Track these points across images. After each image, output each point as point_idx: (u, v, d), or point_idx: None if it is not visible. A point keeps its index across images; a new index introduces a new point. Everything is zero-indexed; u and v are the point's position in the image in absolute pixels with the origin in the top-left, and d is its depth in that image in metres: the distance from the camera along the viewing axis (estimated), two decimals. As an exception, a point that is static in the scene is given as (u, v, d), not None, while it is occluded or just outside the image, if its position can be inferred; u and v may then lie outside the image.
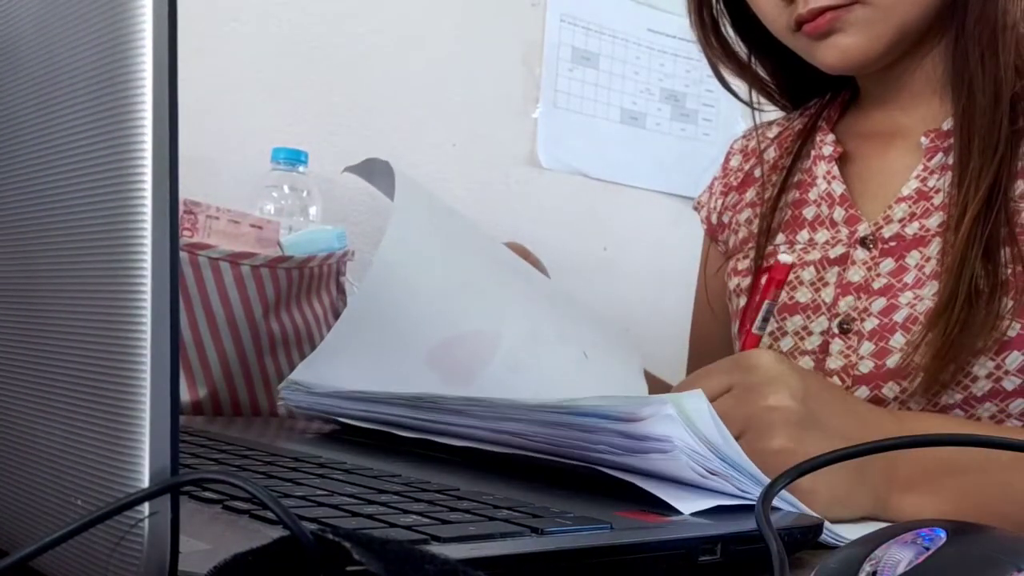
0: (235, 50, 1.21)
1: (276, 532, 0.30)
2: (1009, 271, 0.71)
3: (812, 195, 0.85)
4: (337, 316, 0.95)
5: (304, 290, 0.89)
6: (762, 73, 0.92)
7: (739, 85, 0.93)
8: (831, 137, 0.85)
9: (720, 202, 0.97)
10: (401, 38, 1.33)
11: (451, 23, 1.38)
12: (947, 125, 0.78)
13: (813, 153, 0.87)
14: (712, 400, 0.58)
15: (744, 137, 1.00)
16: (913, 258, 0.76)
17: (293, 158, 1.07)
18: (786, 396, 0.57)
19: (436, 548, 0.33)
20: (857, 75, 0.85)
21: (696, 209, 1.02)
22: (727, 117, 1.59)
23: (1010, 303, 0.70)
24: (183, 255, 0.81)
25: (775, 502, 0.47)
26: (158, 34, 0.29)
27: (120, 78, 0.30)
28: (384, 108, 1.32)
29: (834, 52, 0.76)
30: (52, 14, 0.33)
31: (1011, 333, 0.71)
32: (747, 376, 0.59)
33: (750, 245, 0.89)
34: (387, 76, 1.32)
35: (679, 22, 1.58)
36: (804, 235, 0.84)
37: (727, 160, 1.00)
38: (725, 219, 0.96)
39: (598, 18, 1.50)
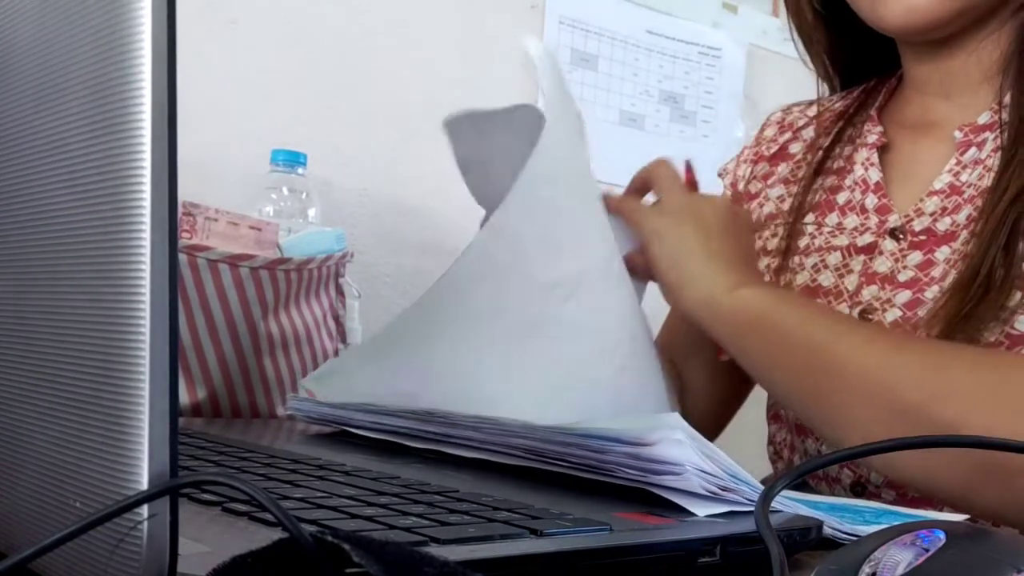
0: (235, 51, 1.21)
1: (275, 534, 0.30)
2: None
3: (848, 181, 0.85)
4: (336, 318, 0.95)
5: (303, 292, 0.89)
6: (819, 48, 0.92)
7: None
8: (879, 128, 0.85)
9: (748, 170, 0.96)
10: (401, 39, 1.33)
11: (451, 24, 1.38)
12: (983, 119, 0.78)
13: (857, 140, 0.87)
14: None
15: (783, 111, 0.99)
16: (943, 253, 0.76)
17: (292, 160, 1.07)
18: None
19: (435, 550, 0.33)
20: (916, 40, 0.82)
21: (720, 176, 1.00)
22: (726, 118, 1.59)
23: (1019, 295, 0.71)
24: (182, 257, 0.81)
25: (775, 503, 0.47)
26: (157, 35, 0.29)
27: (119, 79, 0.30)
28: (384, 108, 1.32)
29: (900, 8, 0.75)
30: (51, 15, 0.33)
31: (1020, 328, 0.71)
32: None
33: (777, 221, 0.89)
34: (387, 76, 1.32)
35: (678, 24, 1.59)
36: (833, 218, 0.84)
37: (761, 131, 0.98)
38: (752, 188, 0.94)
39: (597, 20, 1.50)
